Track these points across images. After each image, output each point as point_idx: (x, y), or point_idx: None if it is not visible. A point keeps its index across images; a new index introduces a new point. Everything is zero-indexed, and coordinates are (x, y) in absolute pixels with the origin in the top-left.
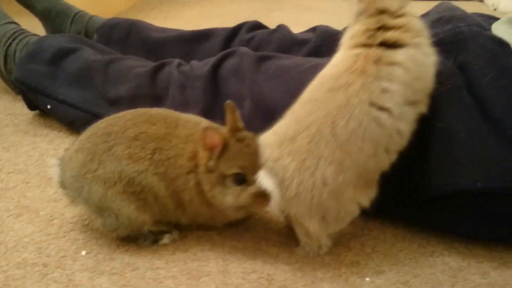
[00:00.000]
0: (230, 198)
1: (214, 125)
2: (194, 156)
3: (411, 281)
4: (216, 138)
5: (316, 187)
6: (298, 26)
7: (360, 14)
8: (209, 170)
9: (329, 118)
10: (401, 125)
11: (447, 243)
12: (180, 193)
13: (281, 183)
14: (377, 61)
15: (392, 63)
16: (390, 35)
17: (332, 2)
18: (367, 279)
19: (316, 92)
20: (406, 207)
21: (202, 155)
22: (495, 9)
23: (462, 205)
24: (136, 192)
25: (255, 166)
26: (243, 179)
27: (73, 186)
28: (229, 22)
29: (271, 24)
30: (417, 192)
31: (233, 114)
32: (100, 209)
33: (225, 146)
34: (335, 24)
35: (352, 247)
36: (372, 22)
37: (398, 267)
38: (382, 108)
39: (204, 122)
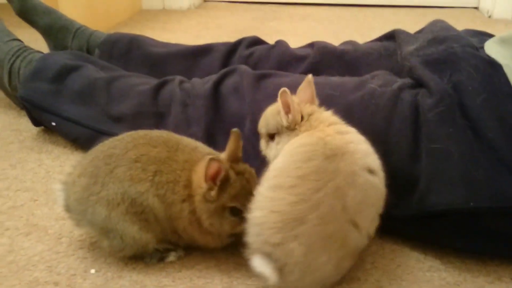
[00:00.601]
0: (228, 227)
1: (216, 154)
2: (188, 184)
3: None
4: (219, 170)
5: (322, 266)
6: (294, 36)
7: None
8: (208, 201)
9: (339, 193)
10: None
11: (444, 258)
12: (175, 221)
13: (283, 268)
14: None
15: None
16: None
17: (327, 11)
18: None
19: (309, 163)
20: (403, 223)
21: (199, 184)
22: (489, 16)
23: (456, 222)
24: (138, 212)
25: (251, 197)
26: (239, 211)
27: (77, 209)
28: (227, 32)
29: (268, 33)
30: (413, 210)
31: (237, 143)
32: (105, 231)
33: (226, 178)
34: (331, 32)
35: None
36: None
37: (397, 282)
38: (372, 171)
39: (201, 147)
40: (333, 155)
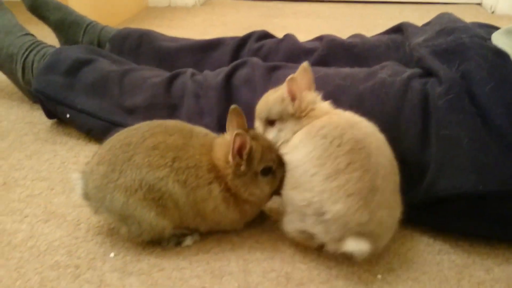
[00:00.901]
0: (267, 188)
1: (239, 130)
2: (212, 168)
3: (420, 277)
4: (244, 144)
5: (396, 218)
6: (299, 32)
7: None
8: (241, 175)
9: (381, 153)
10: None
11: (453, 242)
12: (202, 203)
13: (376, 238)
14: None
15: None
16: None
17: (332, 8)
18: (379, 276)
19: (345, 137)
20: (413, 208)
21: (224, 165)
22: (492, 12)
23: (465, 207)
24: (156, 198)
25: (275, 152)
26: (270, 170)
27: (96, 196)
28: (233, 29)
29: (273, 30)
30: (423, 195)
31: (241, 117)
32: (123, 217)
33: (250, 150)
34: (335, 29)
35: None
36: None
37: (407, 265)
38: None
39: (210, 133)
40: (358, 127)
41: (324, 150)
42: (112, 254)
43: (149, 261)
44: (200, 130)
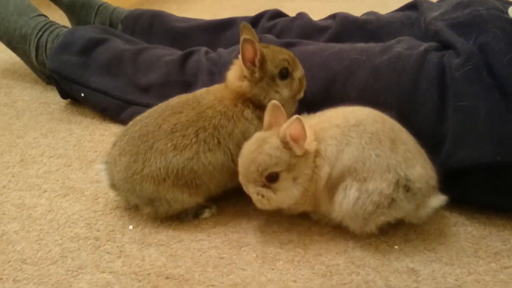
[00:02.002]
0: (288, 91)
1: (246, 36)
2: (235, 100)
3: (437, 248)
4: (254, 46)
5: None
6: (310, 14)
7: None
8: (259, 80)
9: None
10: None
11: (469, 214)
12: (246, 132)
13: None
14: None
15: None
16: None
17: None
18: (396, 247)
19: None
20: None
21: (240, 82)
22: None
23: (482, 178)
24: (188, 182)
25: (289, 55)
26: (287, 71)
27: (124, 187)
28: (243, 12)
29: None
30: (440, 167)
31: (251, 30)
32: (152, 200)
33: (261, 56)
34: (346, 10)
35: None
36: None
37: (424, 236)
38: None
39: (212, 86)
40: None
41: (364, 141)
42: (131, 227)
43: (168, 233)
44: (201, 91)
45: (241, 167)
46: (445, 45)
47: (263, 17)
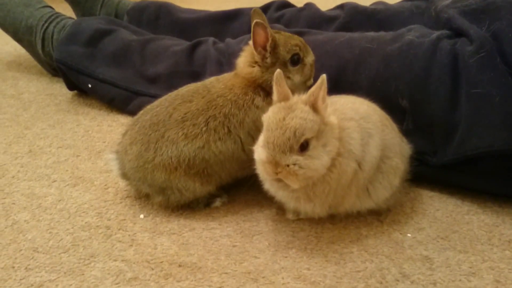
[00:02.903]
0: (297, 77)
1: (258, 20)
2: (245, 88)
3: (450, 236)
4: (266, 31)
5: None
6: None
7: None
8: (270, 66)
9: None
10: None
11: (482, 203)
12: (258, 121)
13: None
14: None
15: None
16: None
17: None
18: (409, 235)
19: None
20: (441, 170)
21: (251, 69)
22: None
23: (496, 165)
24: (200, 171)
25: (300, 41)
26: (298, 57)
27: (135, 176)
28: (247, 3)
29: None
30: (453, 154)
31: (263, 15)
32: (163, 189)
33: (273, 41)
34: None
35: (391, 207)
36: None
37: (436, 224)
38: None
39: (221, 75)
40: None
41: (380, 129)
42: (142, 216)
43: (179, 222)
44: (211, 79)
45: (271, 139)
46: (457, 33)
47: (270, 7)
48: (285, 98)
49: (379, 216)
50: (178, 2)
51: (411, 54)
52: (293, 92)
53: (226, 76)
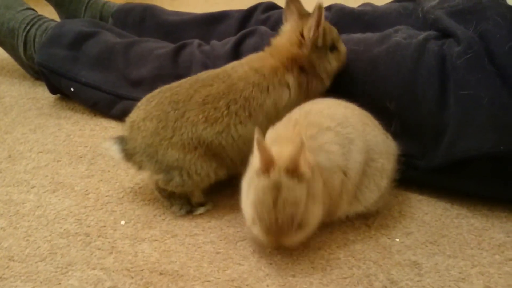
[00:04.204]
0: (335, 62)
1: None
2: (274, 68)
3: (439, 240)
4: (322, 15)
5: None
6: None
7: None
8: (318, 48)
9: None
10: None
11: (471, 206)
12: (277, 103)
13: None
14: None
15: None
16: None
17: None
18: (397, 239)
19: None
20: (430, 173)
21: (298, 47)
22: None
23: (485, 168)
24: (217, 154)
25: (336, 31)
26: (334, 44)
27: (145, 151)
28: (235, 6)
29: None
30: (442, 157)
31: (300, 2)
32: (171, 169)
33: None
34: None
35: (379, 211)
36: None
37: (425, 228)
38: None
39: (237, 61)
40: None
41: (360, 131)
42: (122, 222)
43: (161, 228)
44: (233, 63)
45: (268, 226)
46: (444, 34)
47: (257, 10)
48: (269, 165)
49: (366, 221)
50: (165, 5)
51: (398, 55)
52: (330, 77)
53: (254, 58)
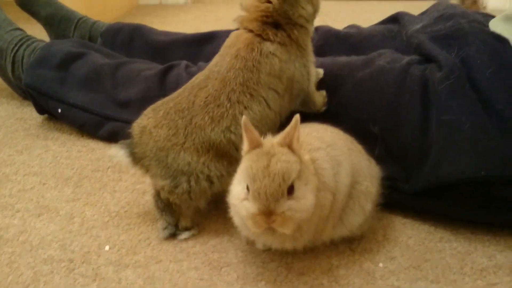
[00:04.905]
0: (309, 6)
1: None
2: (250, 43)
3: (422, 265)
4: None
5: None
6: None
7: None
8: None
9: None
10: None
11: (454, 230)
12: (271, 72)
13: None
14: None
15: None
16: None
17: (325, 5)
18: (381, 264)
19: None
20: (413, 196)
21: (266, 4)
22: (484, 7)
23: (467, 192)
24: (227, 151)
25: None
26: None
27: (155, 155)
28: (226, 25)
29: None
30: (425, 181)
31: None
32: (179, 174)
33: None
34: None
35: (364, 234)
36: None
37: (409, 253)
38: None
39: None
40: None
41: (347, 155)
42: (107, 247)
43: (146, 253)
44: (214, 60)
45: (262, 189)
46: (427, 58)
47: None
48: (257, 145)
49: (351, 244)
50: (156, 23)
51: (382, 80)
52: (307, 23)
53: (229, 43)
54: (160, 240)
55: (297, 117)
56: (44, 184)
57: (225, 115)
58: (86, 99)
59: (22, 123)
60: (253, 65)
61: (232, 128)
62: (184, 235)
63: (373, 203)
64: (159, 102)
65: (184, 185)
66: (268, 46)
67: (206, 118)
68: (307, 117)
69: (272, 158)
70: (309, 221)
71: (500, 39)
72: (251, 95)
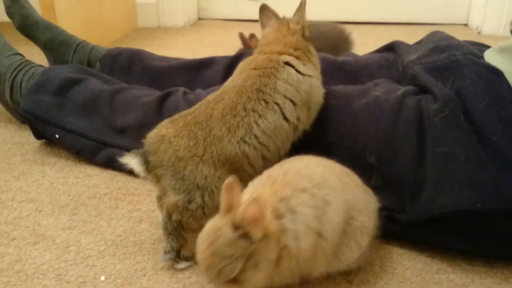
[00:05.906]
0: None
1: None
2: (268, 60)
3: None
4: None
5: None
6: None
7: None
8: (304, 36)
9: None
10: None
11: (451, 261)
12: (287, 79)
13: None
14: None
15: None
16: None
17: None
18: None
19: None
20: (410, 227)
21: (291, 37)
22: (479, 33)
23: (463, 224)
24: (240, 166)
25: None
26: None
27: (173, 165)
28: (223, 48)
29: None
30: (420, 213)
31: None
32: (193, 188)
33: None
34: None
35: (361, 266)
36: None
37: (406, 285)
38: None
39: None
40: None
41: (339, 191)
42: (103, 278)
43: (141, 284)
44: (229, 80)
45: (199, 264)
46: (422, 89)
47: (242, 57)
48: (229, 209)
49: (348, 276)
50: (154, 46)
51: (378, 110)
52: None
53: (245, 64)
54: (156, 271)
55: (254, 198)
56: (40, 211)
57: (241, 124)
58: (83, 125)
59: (19, 147)
60: (271, 72)
61: (247, 138)
62: (183, 264)
63: (370, 237)
64: (176, 116)
65: (198, 200)
66: (286, 57)
67: (224, 129)
68: (302, 149)
69: (213, 243)
70: (263, 274)
71: (494, 71)
72: (266, 102)
